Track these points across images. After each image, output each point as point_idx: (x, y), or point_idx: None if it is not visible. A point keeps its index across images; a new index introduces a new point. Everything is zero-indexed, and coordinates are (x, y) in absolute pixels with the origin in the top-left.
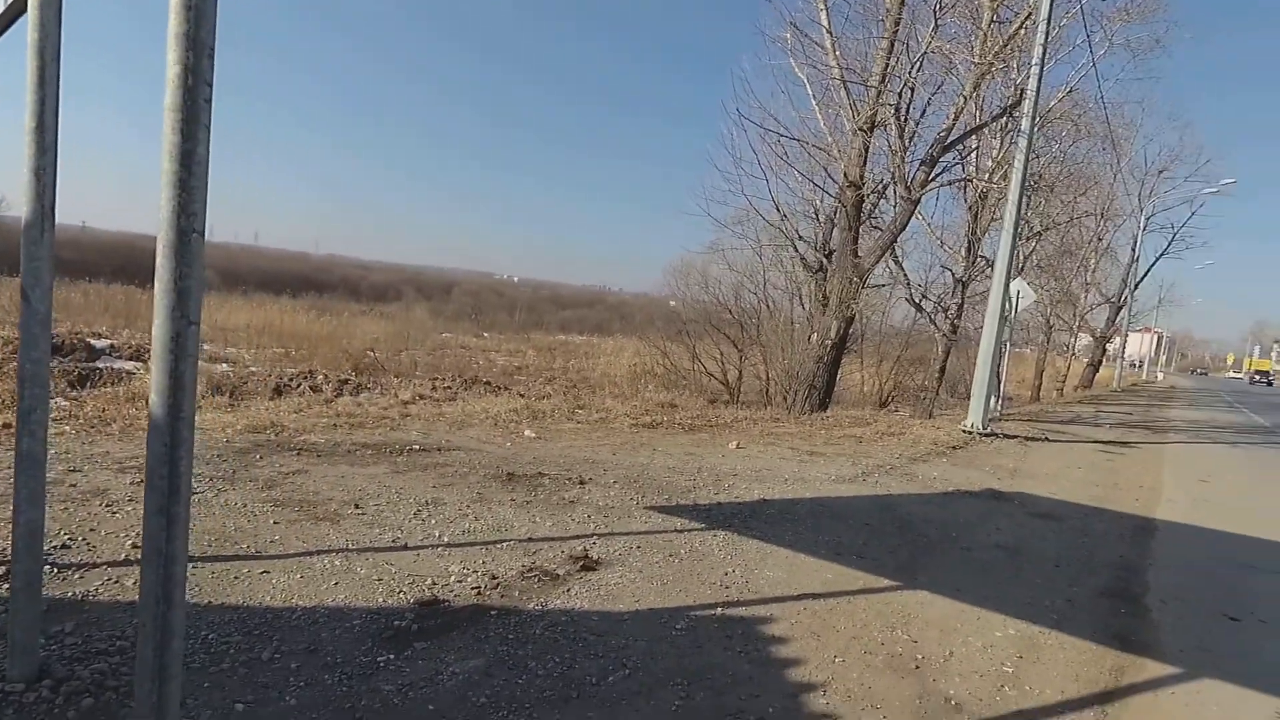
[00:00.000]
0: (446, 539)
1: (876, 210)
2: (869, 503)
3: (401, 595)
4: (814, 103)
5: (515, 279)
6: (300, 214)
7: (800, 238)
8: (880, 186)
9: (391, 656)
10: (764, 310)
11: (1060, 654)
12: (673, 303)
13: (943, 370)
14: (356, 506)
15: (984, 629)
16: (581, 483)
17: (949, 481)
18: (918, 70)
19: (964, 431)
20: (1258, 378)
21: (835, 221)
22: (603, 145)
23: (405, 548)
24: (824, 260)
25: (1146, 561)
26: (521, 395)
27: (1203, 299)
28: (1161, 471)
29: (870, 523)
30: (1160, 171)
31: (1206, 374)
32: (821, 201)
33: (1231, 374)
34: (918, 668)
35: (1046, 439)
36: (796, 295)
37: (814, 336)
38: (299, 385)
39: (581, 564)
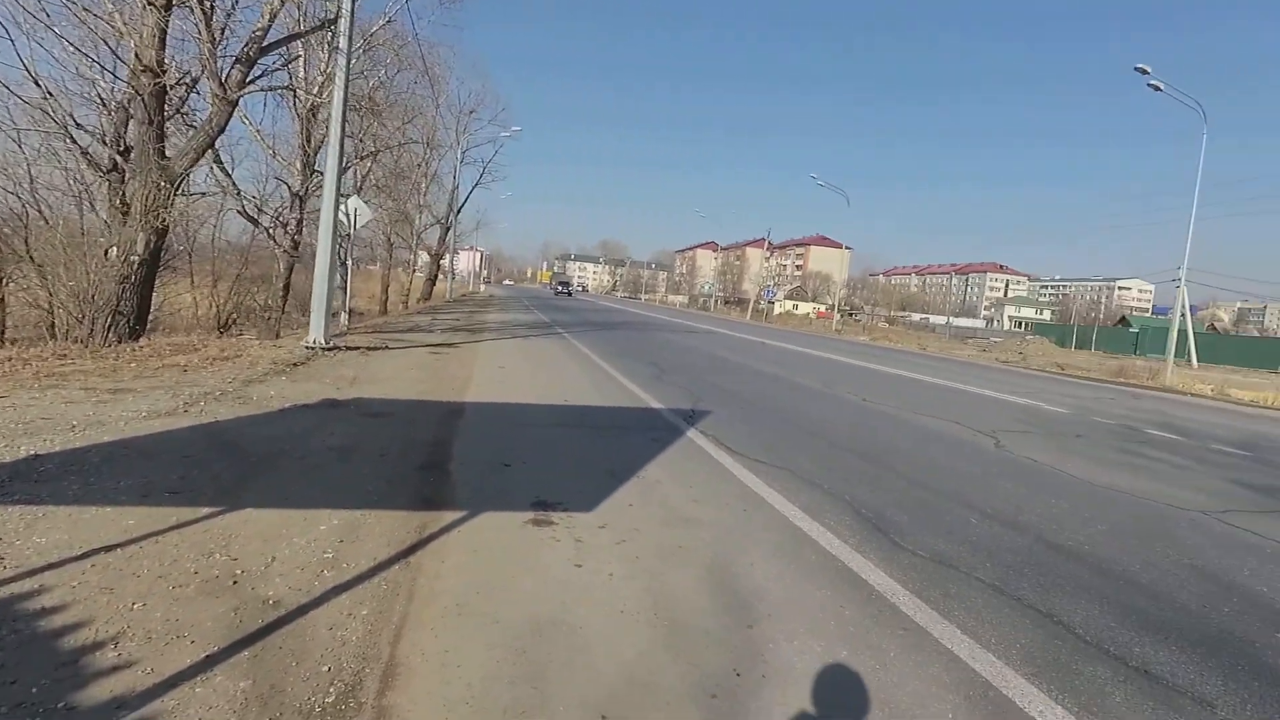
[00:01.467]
0: None
1: (188, 106)
2: (191, 433)
3: None
4: None
5: None
6: None
7: (79, 125)
8: (190, 78)
9: None
10: (35, 217)
11: (378, 528)
12: None
13: (287, 288)
14: None
15: (310, 527)
16: None
17: (286, 398)
18: None
19: (307, 348)
20: (560, 288)
21: (133, 112)
22: None
23: None
24: (119, 159)
25: (454, 436)
26: None
27: (508, 224)
28: (474, 364)
29: (191, 454)
30: (471, 112)
31: (514, 284)
32: (112, 86)
33: (513, 283)
34: (235, 583)
35: (387, 347)
36: (87, 200)
37: (113, 252)
38: None
39: None
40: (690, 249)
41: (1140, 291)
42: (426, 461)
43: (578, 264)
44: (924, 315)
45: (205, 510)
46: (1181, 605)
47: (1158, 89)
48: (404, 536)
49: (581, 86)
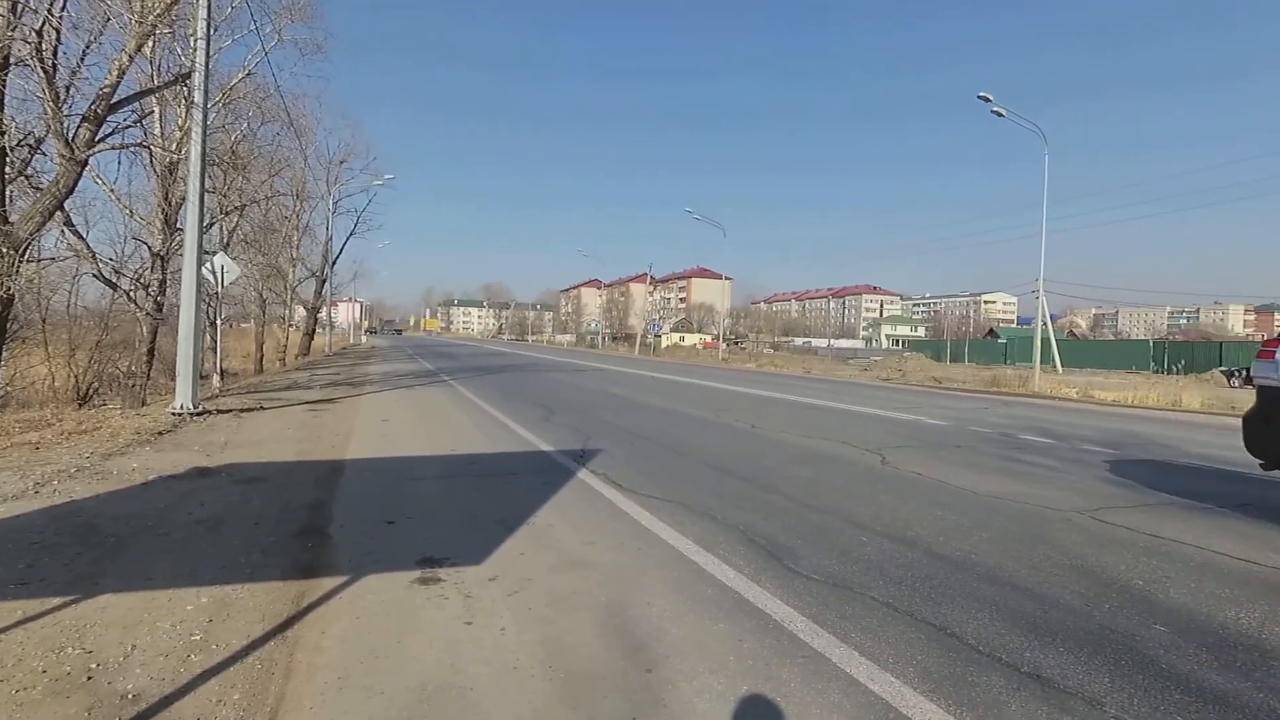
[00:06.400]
0: None
1: (33, 168)
2: (42, 516)
3: None
4: None
5: None
6: None
7: None
8: (34, 139)
9: None
10: None
11: (251, 602)
12: None
13: (152, 352)
14: None
15: (175, 608)
16: None
17: (150, 469)
18: (60, 9)
19: (174, 414)
20: (390, 331)
21: None
22: None
23: None
24: None
25: (334, 497)
26: None
27: (388, 273)
28: (356, 419)
29: (41, 540)
30: (341, 161)
31: (401, 333)
32: None
33: (405, 333)
34: (90, 679)
35: (262, 407)
36: None
37: None
38: None
39: None
40: (575, 287)
41: (1004, 304)
42: (305, 526)
43: (461, 309)
44: (806, 339)
45: (56, 601)
46: (1066, 605)
47: (1000, 115)
48: (280, 609)
49: (457, 132)
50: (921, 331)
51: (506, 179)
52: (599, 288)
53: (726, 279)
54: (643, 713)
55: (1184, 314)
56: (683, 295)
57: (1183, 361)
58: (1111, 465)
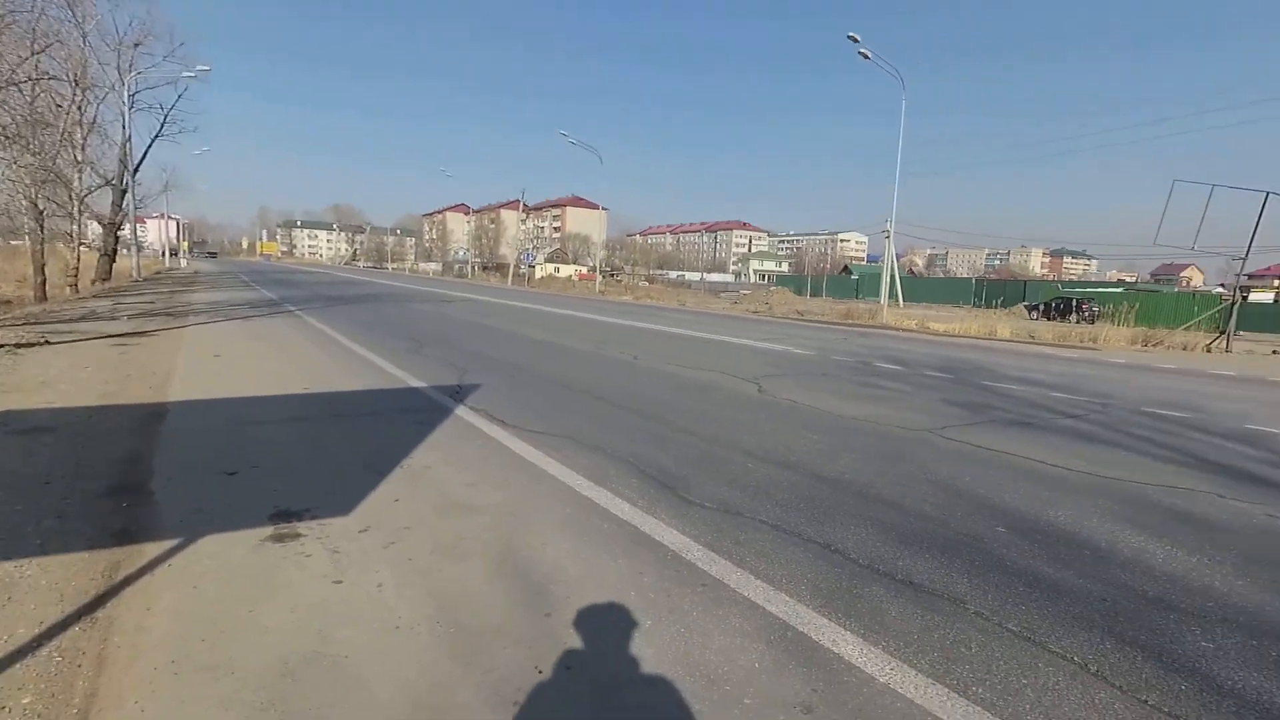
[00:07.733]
0: None
1: None
2: None
3: None
4: None
5: None
6: None
7: None
8: None
9: None
10: None
11: (43, 581)
12: None
13: None
14: None
15: None
16: None
17: None
18: None
19: None
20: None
21: None
22: None
23: None
24: None
25: (154, 446)
26: None
27: (209, 186)
28: (178, 355)
29: None
30: (136, 44)
31: (215, 256)
32: None
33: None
34: None
35: (46, 341)
36: None
37: None
38: None
39: None
40: (439, 212)
41: (857, 242)
42: (116, 483)
43: (307, 231)
44: (680, 272)
45: None
46: (927, 516)
47: (865, 56)
48: (86, 586)
49: (291, 20)
50: (785, 267)
51: (354, 83)
52: (466, 213)
53: (603, 209)
54: (544, 660)
55: (997, 255)
56: (557, 225)
57: (1000, 298)
58: (948, 388)
